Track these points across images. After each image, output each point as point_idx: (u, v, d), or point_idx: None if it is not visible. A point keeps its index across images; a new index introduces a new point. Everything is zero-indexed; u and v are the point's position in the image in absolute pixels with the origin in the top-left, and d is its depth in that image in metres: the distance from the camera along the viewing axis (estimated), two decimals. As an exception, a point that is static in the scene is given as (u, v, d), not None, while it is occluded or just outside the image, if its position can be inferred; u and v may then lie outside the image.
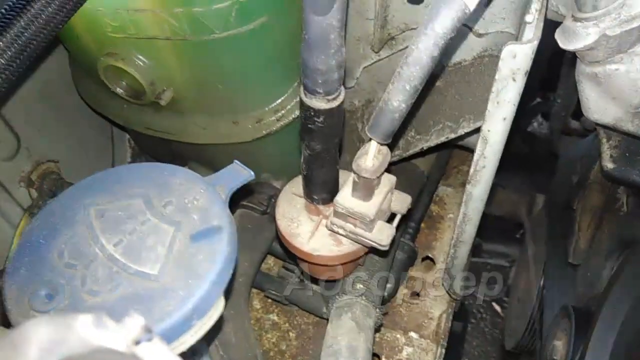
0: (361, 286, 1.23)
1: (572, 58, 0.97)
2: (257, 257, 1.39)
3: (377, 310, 1.22)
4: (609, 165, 1.17)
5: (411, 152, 1.34)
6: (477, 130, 1.03)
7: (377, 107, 0.87)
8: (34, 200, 1.40)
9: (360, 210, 1.01)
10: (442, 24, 0.78)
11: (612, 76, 0.93)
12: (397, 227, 1.08)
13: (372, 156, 0.94)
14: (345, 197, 1.02)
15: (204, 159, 1.49)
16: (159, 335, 0.48)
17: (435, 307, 1.47)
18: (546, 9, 0.97)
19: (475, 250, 1.87)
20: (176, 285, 0.78)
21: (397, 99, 0.83)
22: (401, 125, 0.89)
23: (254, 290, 1.47)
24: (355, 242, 1.09)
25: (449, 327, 1.46)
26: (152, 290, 0.78)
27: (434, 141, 1.28)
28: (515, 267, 2.30)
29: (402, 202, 1.10)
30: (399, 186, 1.08)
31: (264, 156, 1.40)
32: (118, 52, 1.12)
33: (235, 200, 1.35)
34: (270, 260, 1.58)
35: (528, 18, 0.90)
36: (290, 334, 1.47)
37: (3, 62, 0.82)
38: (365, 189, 0.99)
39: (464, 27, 1.17)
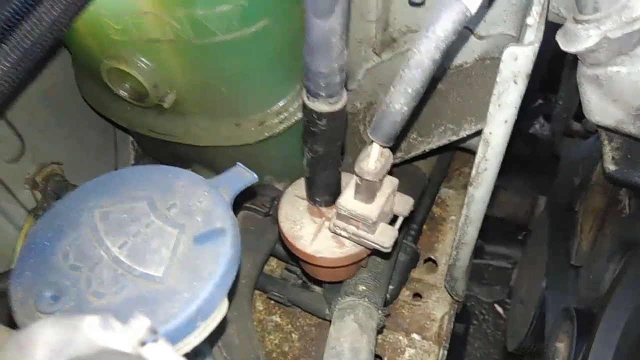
0: (364, 288, 1.23)
1: (573, 60, 0.97)
2: (260, 259, 1.40)
3: (380, 311, 1.22)
4: (610, 167, 1.18)
5: (413, 154, 1.34)
6: (479, 133, 1.03)
7: (379, 109, 0.87)
8: (38, 202, 1.41)
9: (362, 212, 1.01)
10: (443, 27, 0.78)
11: (614, 78, 0.93)
12: (400, 229, 1.08)
13: (374, 159, 0.94)
14: (348, 199, 1.02)
15: (206, 161, 1.49)
16: (164, 337, 0.49)
17: (438, 309, 1.48)
18: (547, 11, 0.98)
19: (477, 252, 1.88)
20: (180, 287, 0.78)
21: (399, 101, 0.84)
22: (403, 127, 0.89)
23: (256, 291, 1.47)
24: (358, 244, 1.10)
25: (451, 328, 1.46)
26: (156, 292, 0.78)
27: (435, 143, 1.28)
28: (517, 269, 2.31)
29: (404, 204, 1.10)
30: (401, 188, 1.08)
31: (267, 158, 1.40)
32: (121, 55, 1.13)
33: (238, 202, 1.35)
34: (273, 262, 1.58)
35: (529, 20, 0.90)
36: (293, 335, 1.47)
37: (8, 65, 0.83)
38: (367, 191, 1.00)
39: (465, 30, 1.17)
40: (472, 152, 1.61)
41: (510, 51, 0.87)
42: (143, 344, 0.47)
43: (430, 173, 1.58)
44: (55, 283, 0.79)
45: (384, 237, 1.05)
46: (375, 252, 1.16)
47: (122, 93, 1.21)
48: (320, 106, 0.85)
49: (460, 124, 1.23)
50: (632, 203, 1.41)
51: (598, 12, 0.87)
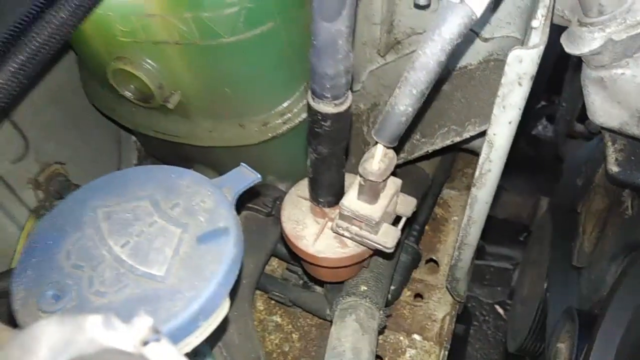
0: (365, 288, 1.23)
1: (577, 62, 0.98)
2: (262, 259, 1.40)
3: (381, 312, 1.22)
4: (614, 168, 1.18)
5: (416, 155, 1.34)
6: (483, 134, 1.03)
7: (383, 111, 0.88)
8: (40, 201, 1.41)
9: (365, 213, 1.01)
10: (449, 30, 0.78)
11: (618, 80, 0.94)
12: (402, 230, 1.08)
13: (378, 159, 0.94)
14: (351, 199, 1.02)
15: (210, 161, 1.49)
16: (166, 336, 0.49)
17: (439, 310, 1.47)
18: (552, 13, 0.98)
19: (478, 253, 1.87)
20: (183, 286, 0.78)
21: (403, 103, 0.84)
22: (407, 128, 0.89)
23: (257, 291, 1.47)
24: (361, 244, 1.10)
25: (452, 329, 1.46)
26: (158, 291, 0.78)
27: (439, 144, 1.28)
28: (519, 270, 2.31)
29: (407, 205, 1.10)
30: (404, 189, 1.08)
31: (270, 159, 1.40)
32: (127, 56, 1.13)
33: (241, 202, 1.36)
34: (274, 262, 1.58)
35: (534, 23, 0.90)
36: (294, 335, 1.47)
37: (15, 66, 0.83)
38: (371, 192, 1.00)
39: (470, 32, 1.17)
40: (475, 153, 1.61)
41: (515, 54, 0.87)
42: (145, 343, 0.47)
43: (433, 174, 1.58)
44: (57, 282, 0.79)
45: (387, 237, 1.05)
46: (377, 253, 1.16)
47: (127, 94, 1.21)
48: (325, 107, 0.86)
49: (464, 125, 1.23)
50: (635, 204, 1.41)
51: (603, 15, 0.87)
